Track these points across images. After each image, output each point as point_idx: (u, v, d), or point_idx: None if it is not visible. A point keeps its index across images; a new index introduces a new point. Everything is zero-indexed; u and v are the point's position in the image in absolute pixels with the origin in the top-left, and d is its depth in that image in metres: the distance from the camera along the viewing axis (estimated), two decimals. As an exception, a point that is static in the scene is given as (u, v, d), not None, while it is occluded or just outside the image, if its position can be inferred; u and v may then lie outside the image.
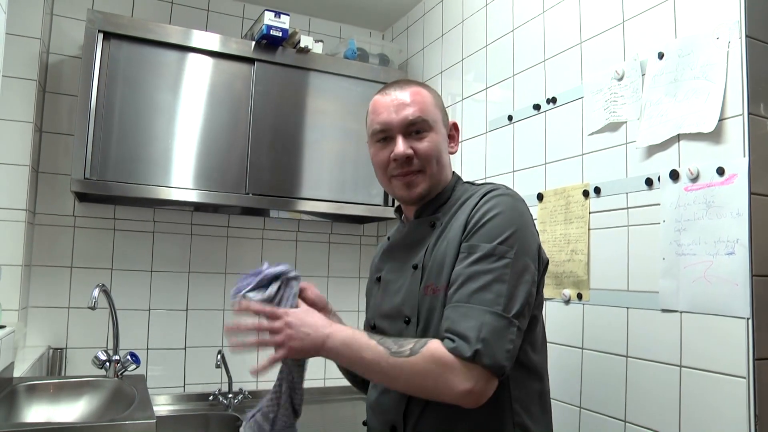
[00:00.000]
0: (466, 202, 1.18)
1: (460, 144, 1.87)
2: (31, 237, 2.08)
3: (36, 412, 1.51)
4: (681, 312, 1.31)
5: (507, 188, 1.19)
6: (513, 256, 1.06)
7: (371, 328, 1.28)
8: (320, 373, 2.50)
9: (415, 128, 1.19)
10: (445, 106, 1.42)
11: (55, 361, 2.08)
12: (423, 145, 1.19)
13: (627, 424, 1.41)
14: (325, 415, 2.31)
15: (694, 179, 1.29)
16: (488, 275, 1.04)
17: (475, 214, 1.13)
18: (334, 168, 2.31)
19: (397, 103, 1.20)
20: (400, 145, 1.18)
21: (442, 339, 1.02)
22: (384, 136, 1.21)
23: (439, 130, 1.22)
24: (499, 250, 1.06)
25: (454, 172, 1.31)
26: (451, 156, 1.29)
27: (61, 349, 2.13)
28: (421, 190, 1.21)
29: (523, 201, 1.17)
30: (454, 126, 1.31)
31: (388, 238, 1.37)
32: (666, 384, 1.33)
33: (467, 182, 1.31)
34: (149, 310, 2.28)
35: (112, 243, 2.25)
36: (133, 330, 2.23)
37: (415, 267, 1.18)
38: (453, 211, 1.20)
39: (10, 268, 1.91)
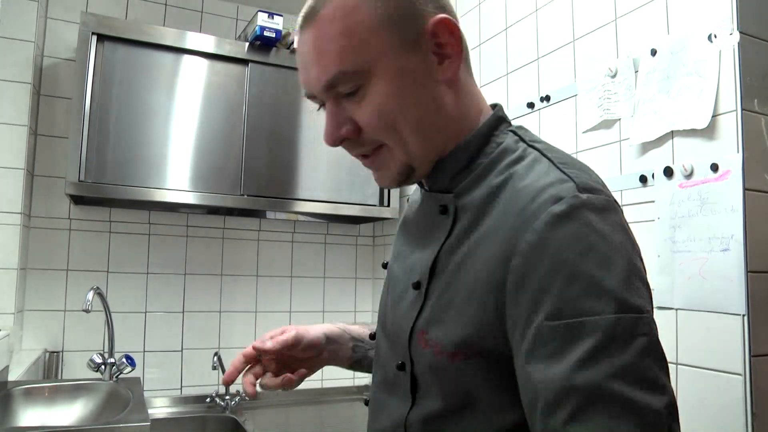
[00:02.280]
0: (513, 202, 0.69)
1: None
2: (26, 240, 2.07)
3: (31, 416, 1.50)
4: (676, 309, 1.30)
5: (592, 186, 0.67)
6: (639, 327, 0.60)
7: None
8: (317, 375, 2.49)
9: (338, 91, 0.74)
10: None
11: (51, 364, 2.08)
12: (362, 111, 0.74)
13: (624, 421, 1.40)
14: (323, 417, 2.31)
15: (688, 176, 1.28)
16: (622, 378, 0.57)
17: (534, 258, 0.63)
18: (330, 168, 2.31)
19: (302, 53, 0.75)
20: (327, 124, 0.77)
21: None
22: (316, 102, 0.80)
23: (387, 68, 0.72)
24: (621, 322, 0.59)
25: (495, 105, 0.82)
26: (448, 85, 0.76)
27: (57, 352, 2.12)
28: (396, 175, 0.78)
29: (617, 207, 0.69)
30: (440, 26, 0.73)
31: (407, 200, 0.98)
32: (662, 381, 1.32)
33: (517, 130, 0.79)
34: (145, 312, 2.27)
35: (107, 246, 2.24)
36: (129, 333, 2.22)
37: (416, 286, 0.78)
38: (485, 196, 0.73)
39: (6, 272, 1.91)
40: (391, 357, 0.83)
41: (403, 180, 0.79)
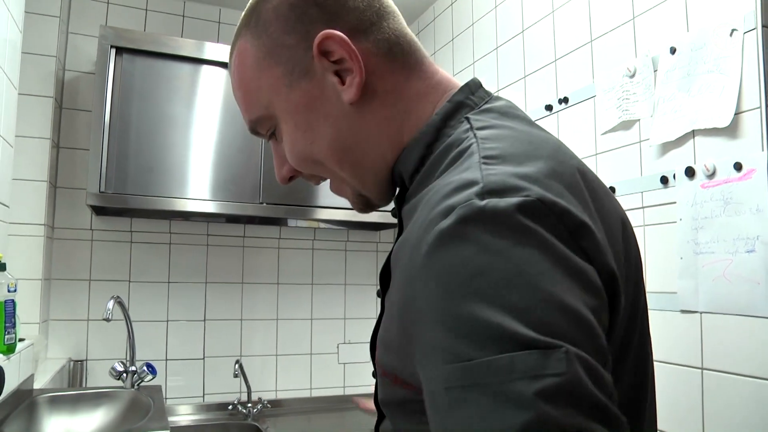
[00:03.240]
0: (422, 210, 0.54)
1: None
2: (50, 251, 2.10)
3: (55, 423, 1.52)
4: (701, 312, 1.27)
5: (509, 186, 0.49)
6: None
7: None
8: (339, 381, 2.49)
9: (261, 134, 0.71)
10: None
11: (75, 372, 2.10)
12: (285, 151, 0.69)
13: (649, 428, 1.38)
14: (345, 424, 2.30)
15: (711, 176, 1.26)
16: None
17: (414, 294, 0.50)
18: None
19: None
20: (275, 166, 0.73)
21: None
22: None
23: (282, 106, 0.66)
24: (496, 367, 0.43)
25: (459, 102, 0.65)
26: (358, 104, 0.64)
27: (81, 361, 2.14)
28: (356, 203, 0.73)
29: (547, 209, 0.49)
30: (327, 42, 0.62)
31: None
32: (688, 387, 1.29)
33: (472, 116, 0.63)
34: (167, 321, 2.29)
35: (129, 255, 2.27)
36: (151, 341, 2.24)
37: (378, 294, 0.70)
38: (417, 201, 0.59)
39: (30, 282, 1.93)
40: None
41: (366, 207, 0.73)
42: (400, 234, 0.65)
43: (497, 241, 0.46)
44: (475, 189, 0.49)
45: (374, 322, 0.88)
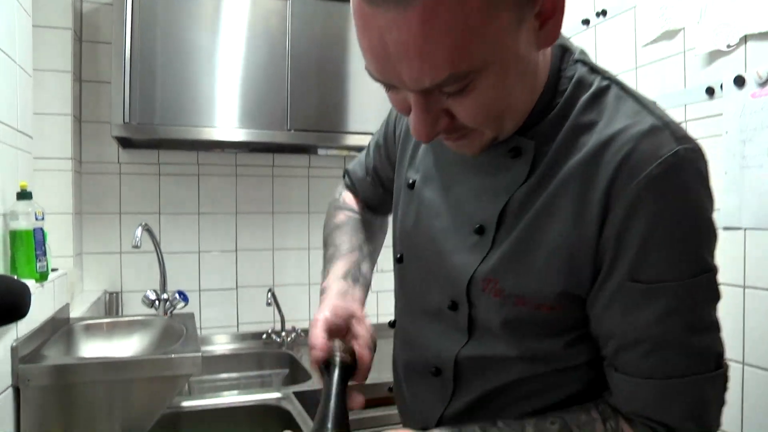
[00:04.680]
0: (603, 150, 0.65)
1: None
2: (79, 185, 2.11)
3: (92, 348, 1.55)
4: (744, 229, 1.22)
5: (683, 134, 0.65)
6: (709, 284, 0.66)
7: (398, 259, 0.90)
8: (372, 309, 2.50)
9: (441, 90, 0.61)
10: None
11: (111, 304, 2.14)
12: (465, 106, 0.62)
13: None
14: (379, 349, 2.32)
15: (763, 84, 1.17)
16: (689, 329, 0.65)
17: (632, 219, 0.63)
18: (379, 100, 2.22)
19: (390, 40, 0.56)
20: (418, 121, 0.63)
21: (629, 420, 0.70)
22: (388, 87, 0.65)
23: (504, 58, 0.59)
24: (696, 283, 0.65)
25: (562, 46, 0.71)
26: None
27: (116, 292, 2.18)
28: (479, 150, 0.70)
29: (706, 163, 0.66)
30: None
31: None
32: (729, 305, 1.25)
33: (584, 58, 0.71)
34: (199, 252, 2.30)
35: (158, 188, 2.26)
36: (185, 272, 2.26)
37: (479, 231, 0.73)
38: (566, 140, 0.68)
39: (62, 216, 1.94)
40: (433, 291, 0.82)
41: (494, 141, 0.71)
42: (532, 169, 0.70)
43: (695, 184, 0.64)
44: (668, 134, 0.63)
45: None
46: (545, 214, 0.68)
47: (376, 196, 1.06)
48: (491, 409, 0.78)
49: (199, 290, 2.29)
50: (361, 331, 0.84)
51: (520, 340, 0.74)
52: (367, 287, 0.96)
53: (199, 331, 2.26)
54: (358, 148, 2.32)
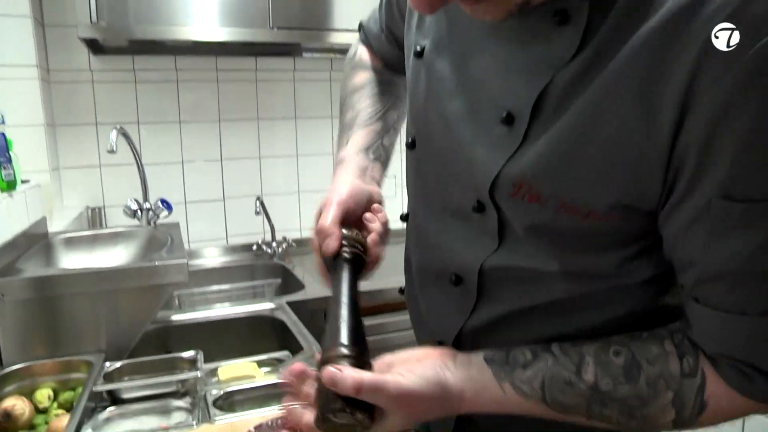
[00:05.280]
0: (676, 17, 0.47)
1: None
2: (49, 96, 1.97)
3: (73, 260, 1.48)
4: None
5: None
6: None
7: (409, 144, 0.77)
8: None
9: None
10: None
11: (94, 219, 2.06)
12: None
13: None
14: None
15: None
16: None
17: (730, 115, 0.46)
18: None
19: None
20: None
21: (713, 360, 0.57)
22: None
23: None
24: None
25: None
26: None
27: (99, 208, 2.09)
28: (511, 8, 0.53)
29: None
30: None
31: None
32: None
33: None
34: (182, 162, 2.20)
35: (135, 97, 2.13)
36: (168, 184, 2.16)
37: (506, 120, 0.59)
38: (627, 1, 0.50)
39: (33, 129, 1.82)
40: (454, 188, 0.69)
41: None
42: (583, 41, 0.52)
43: None
44: None
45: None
46: (599, 104, 0.52)
47: (394, 56, 0.92)
48: (520, 328, 0.68)
49: (185, 203, 2.20)
50: (376, 219, 0.75)
51: (563, 252, 0.61)
52: (387, 165, 0.86)
53: (187, 245, 2.19)
54: (344, 49, 2.18)
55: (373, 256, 0.72)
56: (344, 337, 0.61)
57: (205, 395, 1.12)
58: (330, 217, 0.71)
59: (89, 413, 1.09)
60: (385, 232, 0.76)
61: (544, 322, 0.66)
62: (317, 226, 0.72)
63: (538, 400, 0.61)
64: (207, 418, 1.06)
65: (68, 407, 1.16)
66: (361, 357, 0.60)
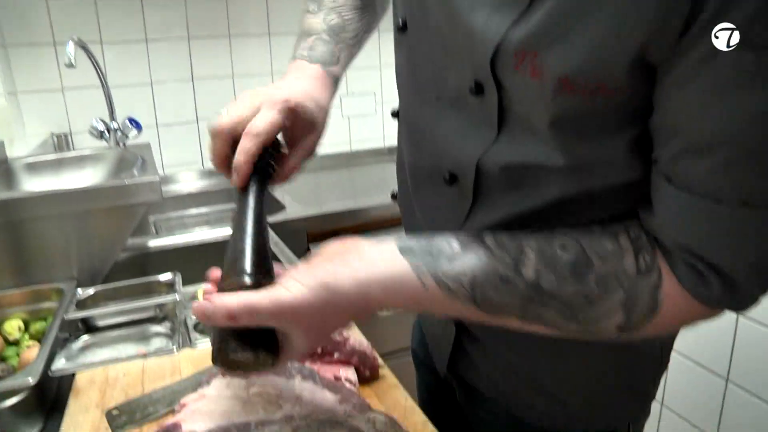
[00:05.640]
0: None
1: None
2: (-7, 10, 1.82)
3: (37, 184, 1.39)
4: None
5: None
6: None
7: (400, 28, 0.70)
8: (344, 136, 2.34)
9: None
10: None
11: (60, 146, 1.94)
12: None
13: None
14: (354, 180, 2.20)
15: None
16: None
17: None
18: None
19: None
20: None
21: (669, 256, 0.53)
22: None
23: None
24: None
25: None
26: None
27: (65, 134, 1.97)
28: None
29: None
30: None
31: None
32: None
33: None
34: (151, 84, 2.07)
35: (95, 12, 1.97)
36: (138, 107, 2.03)
37: None
38: None
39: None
40: (450, 70, 0.62)
41: None
42: None
43: None
44: None
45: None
46: None
47: None
48: None
49: (157, 126, 2.08)
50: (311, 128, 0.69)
51: (570, 141, 0.54)
52: (350, 59, 0.79)
53: (161, 171, 2.10)
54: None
55: (287, 167, 0.68)
56: (244, 262, 0.54)
57: (185, 319, 1.06)
58: (263, 125, 0.63)
59: (62, 343, 1.04)
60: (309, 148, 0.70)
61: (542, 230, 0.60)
62: (249, 127, 0.64)
63: (466, 298, 0.53)
64: (188, 343, 1.00)
65: (41, 338, 1.10)
66: (266, 284, 0.53)
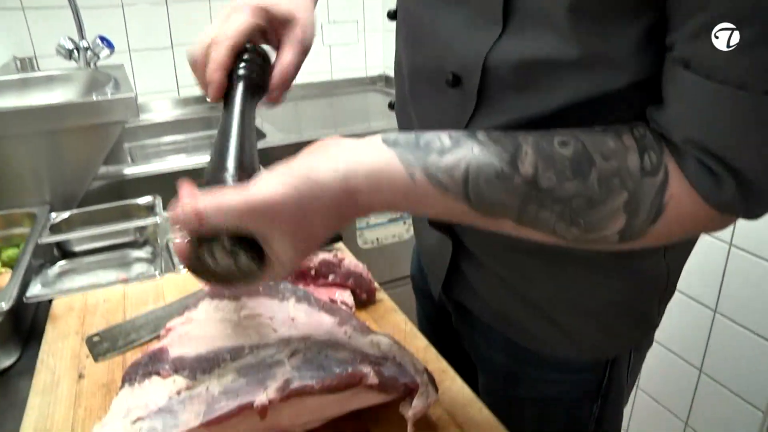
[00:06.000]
0: None
1: None
2: None
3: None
4: None
5: None
6: None
7: None
8: (326, 66, 2.26)
9: None
10: None
11: (24, 69, 1.83)
12: None
13: None
14: (335, 109, 2.14)
15: None
16: None
17: None
18: None
19: None
20: None
21: (678, 153, 0.48)
22: None
23: None
24: None
25: None
26: None
27: (29, 57, 1.86)
28: None
29: None
30: None
31: None
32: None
33: None
34: (122, 6, 1.95)
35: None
36: (108, 31, 1.92)
37: None
38: None
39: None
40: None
41: None
42: None
43: None
44: None
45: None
46: None
47: None
48: None
49: (129, 52, 1.98)
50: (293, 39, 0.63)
51: (586, 29, 0.49)
52: None
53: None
54: None
55: (281, 66, 0.62)
56: (226, 160, 0.50)
57: (167, 243, 1.02)
58: (230, 30, 0.59)
59: (37, 269, 0.99)
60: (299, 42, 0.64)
61: None
62: (215, 35, 0.60)
63: (458, 195, 0.48)
64: (171, 268, 0.96)
65: (13, 265, 1.05)
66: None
